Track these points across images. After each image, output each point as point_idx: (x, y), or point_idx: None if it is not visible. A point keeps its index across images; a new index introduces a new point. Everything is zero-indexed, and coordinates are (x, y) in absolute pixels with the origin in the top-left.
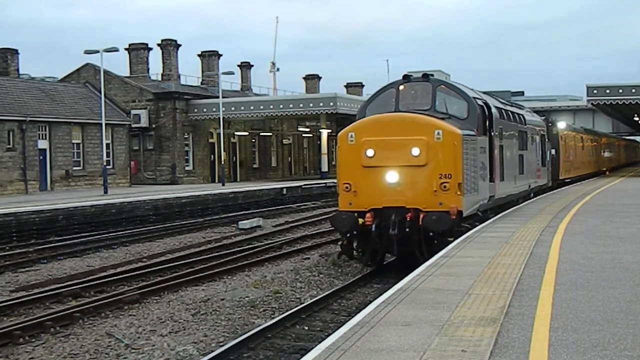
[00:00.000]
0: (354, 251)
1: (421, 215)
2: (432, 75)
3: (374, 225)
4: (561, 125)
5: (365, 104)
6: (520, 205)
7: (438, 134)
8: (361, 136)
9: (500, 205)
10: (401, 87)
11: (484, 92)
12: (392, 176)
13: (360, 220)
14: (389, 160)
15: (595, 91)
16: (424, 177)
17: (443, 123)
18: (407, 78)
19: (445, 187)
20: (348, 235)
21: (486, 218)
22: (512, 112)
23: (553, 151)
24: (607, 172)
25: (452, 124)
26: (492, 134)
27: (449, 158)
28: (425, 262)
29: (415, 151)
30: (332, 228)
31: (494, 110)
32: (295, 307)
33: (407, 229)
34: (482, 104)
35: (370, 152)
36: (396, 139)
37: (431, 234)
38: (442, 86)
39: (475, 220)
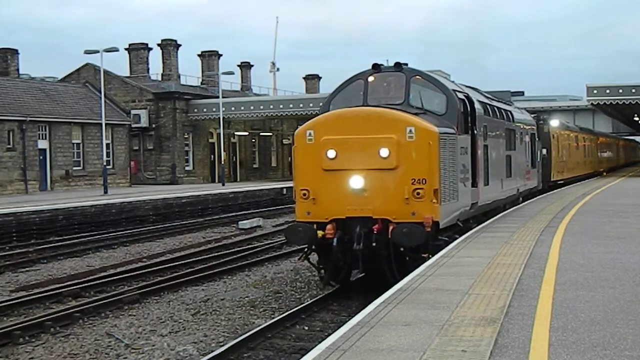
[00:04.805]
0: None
1: (390, 227)
2: (407, 64)
3: (335, 239)
4: (553, 123)
5: (330, 97)
6: (520, 205)
7: (410, 132)
8: (321, 134)
9: (485, 212)
10: (370, 78)
11: (468, 86)
12: (356, 181)
13: (320, 233)
14: (353, 162)
15: (595, 91)
16: (394, 182)
17: (416, 119)
18: (377, 68)
19: (418, 194)
20: (306, 250)
21: (468, 228)
22: (498, 108)
23: (544, 151)
24: (605, 173)
25: (428, 120)
26: (475, 132)
27: (423, 160)
28: (425, 263)
29: (384, 152)
30: None
31: (477, 105)
32: (295, 307)
33: (374, 243)
34: (463, 97)
35: (331, 154)
36: (362, 137)
37: (402, 249)
38: (418, 77)
39: (455, 232)
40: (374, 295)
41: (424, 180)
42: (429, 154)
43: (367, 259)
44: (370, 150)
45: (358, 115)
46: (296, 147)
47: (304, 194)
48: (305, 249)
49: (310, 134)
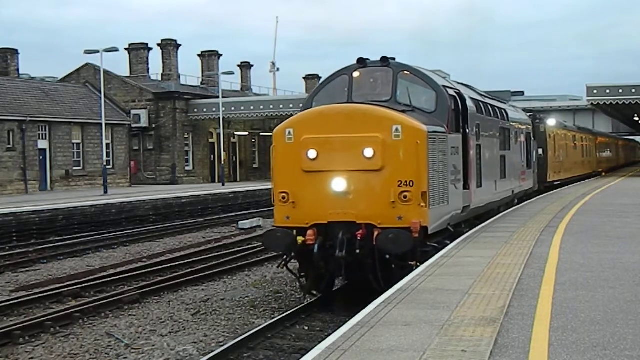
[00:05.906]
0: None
1: (375, 233)
2: (394, 59)
3: (316, 245)
4: (550, 122)
5: (312, 93)
6: (520, 205)
7: (397, 130)
8: (301, 133)
9: (478, 215)
10: (355, 74)
11: (461, 83)
12: (339, 184)
13: (300, 239)
14: (336, 163)
15: (595, 91)
16: (379, 184)
17: (403, 117)
18: (362, 62)
19: (405, 197)
20: (285, 257)
21: (460, 233)
22: (492, 106)
23: (540, 151)
24: (604, 174)
25: (416, 118)
26: (467, 131)
27: (410, 161)
28: (425, 263)
29: (369, 152)
30: None
31: (469, 102)
32: (295, 307)
33: (358, 250)
34: (454, 94)
35: (312, 154)
36: (345, 136)
37: (388, 256)
38: (405, 72)
39: (445, 237)
40: (372, 296)
41: (411, 183)
42: (416, 154)
43: (351, 266)
44: (354, 150)
45: (341, 113)
46: (275, 146)
47: (283, 197)
48: (285, 256)
49: (289, 133)
